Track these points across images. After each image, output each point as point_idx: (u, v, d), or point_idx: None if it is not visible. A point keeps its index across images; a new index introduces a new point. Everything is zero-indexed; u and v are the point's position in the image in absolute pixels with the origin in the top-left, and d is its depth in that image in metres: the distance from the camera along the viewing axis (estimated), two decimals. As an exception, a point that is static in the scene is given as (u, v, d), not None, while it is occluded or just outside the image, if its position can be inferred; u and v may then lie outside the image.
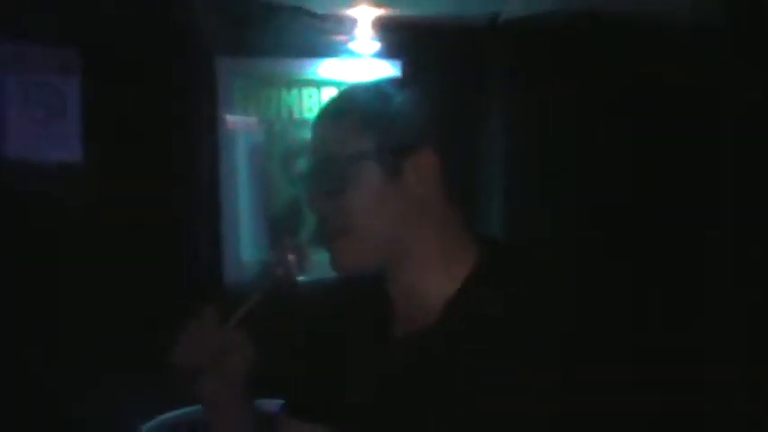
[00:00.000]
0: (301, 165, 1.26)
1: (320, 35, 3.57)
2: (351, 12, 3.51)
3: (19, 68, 3.04)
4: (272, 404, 1.49)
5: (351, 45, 3.57)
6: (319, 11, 3.50)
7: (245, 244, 3.45)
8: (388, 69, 3.58)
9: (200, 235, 3.44)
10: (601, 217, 3.59)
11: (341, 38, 3.58)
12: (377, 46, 3.58)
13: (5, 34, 3.01)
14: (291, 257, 1.31)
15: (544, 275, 1.28)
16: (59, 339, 3.08)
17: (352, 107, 1.29)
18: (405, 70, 3.59)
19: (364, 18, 3.54)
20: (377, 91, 1.33)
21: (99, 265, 3.16)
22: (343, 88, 1.39)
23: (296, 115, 3.60)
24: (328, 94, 3.47)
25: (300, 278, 1.31)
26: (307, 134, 2.30)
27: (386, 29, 3.58)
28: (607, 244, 3.52)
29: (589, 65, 3.53)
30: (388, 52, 3.61)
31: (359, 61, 3.57)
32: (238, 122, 3.52)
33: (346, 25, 3.57)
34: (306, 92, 3.57)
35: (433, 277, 1.28)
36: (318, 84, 3.57)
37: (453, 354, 1.23)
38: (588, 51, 3.55)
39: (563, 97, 3.60)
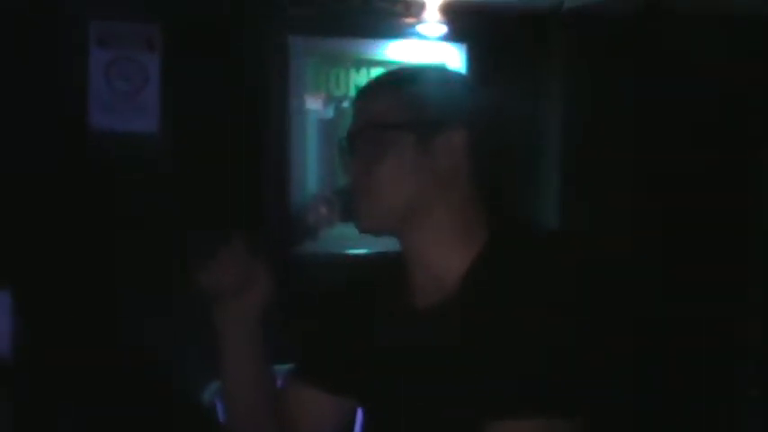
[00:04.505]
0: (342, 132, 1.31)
1: (389, 17, 3.60)
2: (420, -5, 3.52)
3: (106, 44, 3.19)
4: (284, 369, 1.52)
5: (418, 28, 3.59)
6: (389, -6, 3.53)
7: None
8: (454, 52, 3.61)
9: (270, 204, 3.49)
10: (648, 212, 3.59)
11: (409, 20, 3.60)
12: (443, 29, 3.58)
13: (94, 12, 3.15)
14: (324, 210, 1.36)
15: (544, 260, 1.33)
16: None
17: (395, 83, 1.38)
18: (469, 54, 3.60)
19: (432, 2, 3.54)
20: (420, 72, 1.43)
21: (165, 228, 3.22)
22: (389, 68, 1.48)
23: (364, 94, 3.60)
24: (392, 67, 3.57)
25: (328, 229, 1.37)
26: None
27: (453, 13, 3.58)
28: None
29: (649, 54, 3.51)
30: (454, 36, 3.62)
31: (425, 44, 3.61)
32: (309, 99, 3.58)
33: (415, 8, 3.58)
34: (374, 72, 3.58)
35: (446, 253, 1.35)
36: (386, 64, 3.59)
37: (461, 328, 1.29)
38: (648, 40, 3.53)
39: (622, 86, 3.58)
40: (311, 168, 3.58)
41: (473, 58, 3.61)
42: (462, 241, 1.35)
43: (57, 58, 3.13)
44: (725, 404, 3.47)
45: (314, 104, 3.60)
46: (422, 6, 3.57)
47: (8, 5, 3.02)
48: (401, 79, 1.40)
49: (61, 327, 3.12)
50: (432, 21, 3.58)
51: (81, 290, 3.17)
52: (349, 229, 1.41)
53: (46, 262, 3.13)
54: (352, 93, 3.60)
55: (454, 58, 3.61)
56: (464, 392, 1.27)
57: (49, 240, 3.14)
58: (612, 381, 1.29)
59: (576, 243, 1.39)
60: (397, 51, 3.63)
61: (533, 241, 1.37)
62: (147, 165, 3.27)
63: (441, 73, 1.48)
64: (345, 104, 3.60)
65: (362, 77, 3.61)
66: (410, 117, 1.33)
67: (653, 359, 3.47)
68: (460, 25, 3.62)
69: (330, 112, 3.62)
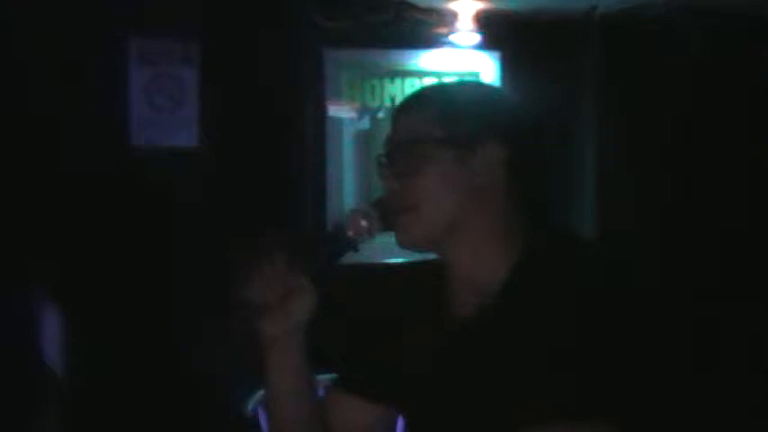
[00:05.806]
0: (380, 147, 1.33)
1: (423, 27, 3.61)
2: (452, 5, 3.53)
3: (145, 62, 3.23)
4: (325, 378, 1.55)
5: (451, 37, 3.60)
6: (422, 4, 3.53)
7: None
8: (487, 60, 3.62)
9: (307, 215, 3.51)
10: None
11: (442, 30, 3.61)
12: (477, 38, 3.60)
13: (134, 30, 3.20)
14: (363, 223, 1.37)
15: (581, 268, 1.34)
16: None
17: (432, 100, 1.40)
18: (503, 62, 3.60)
19: (465, 11, 3.55)
20: (457, 87, 1.49)
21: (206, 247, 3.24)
22: (426, 84, 1.50)
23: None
24: (429, 83, 3.53)
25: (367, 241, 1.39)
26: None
27: (486, 21, 3.59)
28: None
29: (685, 59, 3.48)
30: (488, 44, 3.62)
31: (459, 53, 3.62)
32: (344, 110, 3.60)
33: (448, 18, 3.59)
34: (408, 82, 3.62)
35: (485, 262, 1.36)
36: (420, 74, 3.62)
37: (500, 337, 1.31)
38: (684, 45, 3.49)
39: (656, 92, 3.55)
40: (348, 179, 3.60)
41: (506, 66, 3.62)
42: (501, 252, 1.36)
43: (99, 75, 3.17)
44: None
45: (349, 115, 3.62)
46: (455, 16, 3.58)
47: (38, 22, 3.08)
48: (439, 94, 1.42)
49: (107, 336, 3.14)
50: (465, 30, 3.59)
51: (126, 299, 3.18)
52: (387, 239, 1.42)
53: (93, 274, 3.16)
54: (387, 103, 3.62)
55: (488, 67, 3.62)
56: (505, 400, 1.29)
57: (94, 252, 3.17)
58: (654, 385, 1.30)
59: (611, 250, 1.40)
60: (430, 61, 3.63)
61: (570, 250, 1.38)
62: (187, 179, 3.29)
63: (478, 87, 1.51)
64: (381, 115, 3.62)
65: (397, 88, 3.62)
66: (449, 132, 1.34)
67: (693, 362, 3.43)
68: (493, 33, 3.62)
69: (366, 123, 3.63)
